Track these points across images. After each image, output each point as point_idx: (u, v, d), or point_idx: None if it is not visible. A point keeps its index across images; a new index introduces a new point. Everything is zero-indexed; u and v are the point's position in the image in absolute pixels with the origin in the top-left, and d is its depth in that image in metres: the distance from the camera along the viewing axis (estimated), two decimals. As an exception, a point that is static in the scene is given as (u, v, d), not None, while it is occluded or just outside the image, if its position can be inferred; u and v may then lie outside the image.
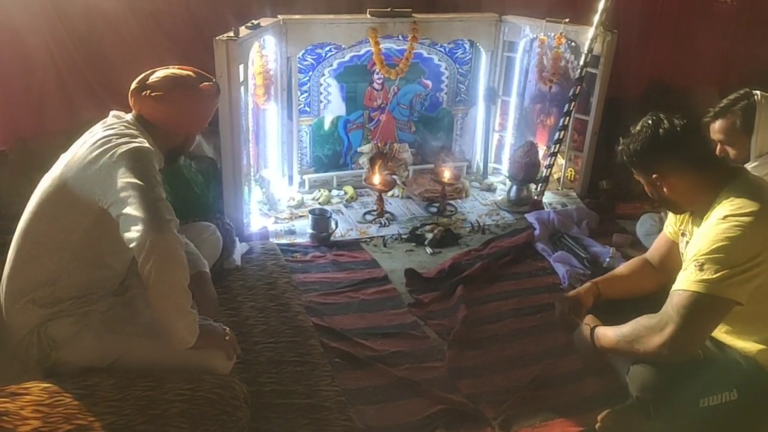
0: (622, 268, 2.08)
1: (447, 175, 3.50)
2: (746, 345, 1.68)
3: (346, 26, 3.34)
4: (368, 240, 3.15)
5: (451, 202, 3.57)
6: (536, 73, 3.72)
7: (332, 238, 3.10)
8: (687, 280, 1.56)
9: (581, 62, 3.43)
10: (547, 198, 3.65)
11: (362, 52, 3.49)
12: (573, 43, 3.53)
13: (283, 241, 3.08)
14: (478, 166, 4.00)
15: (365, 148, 3.66)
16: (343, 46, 3.41)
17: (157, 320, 1.68)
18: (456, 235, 3.21)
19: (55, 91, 3.12)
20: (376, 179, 3.37)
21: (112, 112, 1.88)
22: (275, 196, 3.41)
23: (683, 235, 1.87)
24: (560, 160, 3.74)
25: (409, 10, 3.45)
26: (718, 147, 2.20)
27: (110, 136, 1.74)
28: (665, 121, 1.71)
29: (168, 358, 1.73)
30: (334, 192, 3.61)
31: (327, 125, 3.62)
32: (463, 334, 2.41)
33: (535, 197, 3.57)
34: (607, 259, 2.90)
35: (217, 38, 2.68)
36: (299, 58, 3.36)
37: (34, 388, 1.60)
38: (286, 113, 3.44)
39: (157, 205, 1.63)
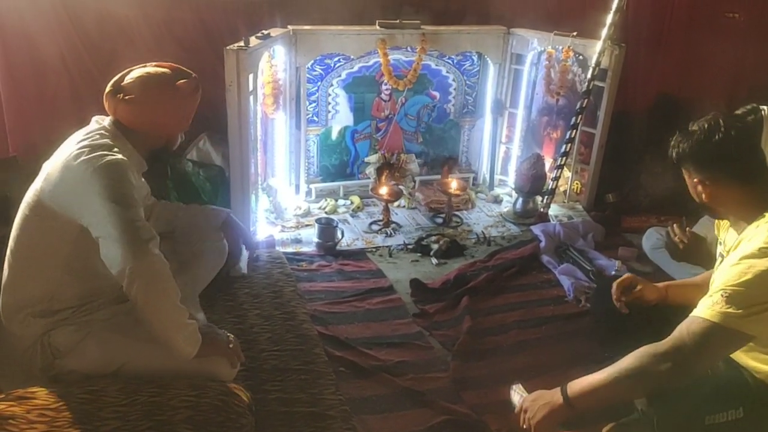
0: (698, 278, 2.00)
1: (453, 186, 3.51)
2: (757, 365, 1.64)
3: (355, 37, 3.37)
4: (374, 250, 3.16)
5: (457, 213, 3.58)
6: (543, 86, 3.73)
7: (338, 248, 3.11)
8: (710, 309, 1.51)
9: (589, 75, 3.44)
10: (553, 210, 3.65)
11: (371, 62, 3.51)
12: (581, 57, 3.54)
13: (289, 249, 3.09)
14: (484, 178, 4.00)
15: (372, 158, 3.68)
16: (352, 56, 3.44)
17: (156, 336, 1.68)
18: (461, 246, 3.21)
19: (67, 97, 3.14)
20: (383, 189, 3.38)
21: (94, 118, 1.82)
22: (282, 205, 3.42)
23: (720, 243, 1.82)
24: (567, 173, 3.75)
25: (418, 22, 3.48)
26: None
27: (84, 148, 1.67)
28: (722, 129, 1.61)
29: (172, 365, 1.73)
30: (341, 201, 3.62)
31: (335, 135, 3.64)
32: (467, 344, 2.41)
33: (541, 209, 3.57)
34: (613, 272, 2.89)
35: (227, 47, 2.71)
36: (308, 68, 3.38)
37: (40, 392, 1.61)
38: (294, 122, 3.46)
39: (134, 227, 1.60)
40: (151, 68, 1.84)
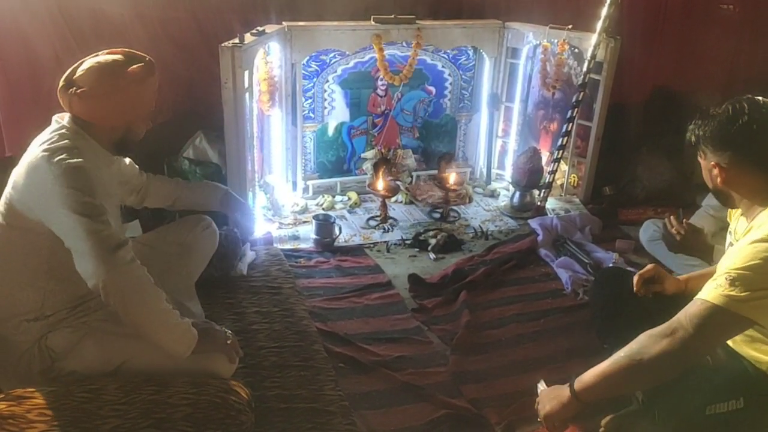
0: (715, 267, 1.99)
1: (450, 180, 3.51)
2: (758, 355, 1.64)
3: (350, 33, 3.36)
4: (372, 245, 3.16)
5: (455, 207, 3.58)
6: (539, 80, 3.73)
7: (336, 244, 3.12)
8: (713, 292, 1.50)
9: (584, 68, 3.44)
10: (550, 204, 3.66)
11: (366, 58, 3.51)
12: (576, 50, 3.54)
13: (287, 246, 3.09)
14: (481, 172, 4.00)
15: (369, 154, 3.67)
16: (348, 52, 3.43)
17: (147, 340, 1.68)
18: (459, 241, 3.22)
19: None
20: (380, 185, 3.38)
21: (54, 116, 1.77)
22: (279, 202, 3.42)
23: (730, 233, 1.81)
24: (563, 166, 3.75)
25: (413, 16, 3.47)
26: None
27: (45, 152, 1.64)
28: (747, 113, 1.57)
29: (171, 362, 1.73)
30: (338, 197, 3.62)
31: (331, 131, 3.64)
32: (466, 339, 2.42)
33: (538, 203, 3.57)
34: (610, 265, 2.90)
35: (222, 45, 2.71)
36: (303, 64, 3.38)
37: (39, 392, 1.61)
38: (290, 119, 3.46)
39: (100, 237, 1.57)
40: (102, 57, 1.77)
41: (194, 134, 3.41)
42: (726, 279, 1.49)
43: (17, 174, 1.70)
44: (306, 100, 3.48)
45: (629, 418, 1.87)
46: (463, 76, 3.80)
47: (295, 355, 2.23)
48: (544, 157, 3.70)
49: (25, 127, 3.06)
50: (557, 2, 3.87)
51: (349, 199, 3.61)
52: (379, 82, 3.60)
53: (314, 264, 2.95)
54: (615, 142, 3.74)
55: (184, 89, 3.36)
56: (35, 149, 1.68)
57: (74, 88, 1.72)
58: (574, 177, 3.79)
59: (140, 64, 1.77)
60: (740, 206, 1.70)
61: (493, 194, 3.82)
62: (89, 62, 1.76)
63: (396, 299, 2.71)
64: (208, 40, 3.22)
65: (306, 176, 3.63)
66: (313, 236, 3.12)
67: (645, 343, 1.54)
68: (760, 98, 1.63)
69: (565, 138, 3.55)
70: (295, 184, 3.62)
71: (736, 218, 1.79)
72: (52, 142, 1.67)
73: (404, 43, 3.50)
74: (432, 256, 3.08)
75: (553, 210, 3.61)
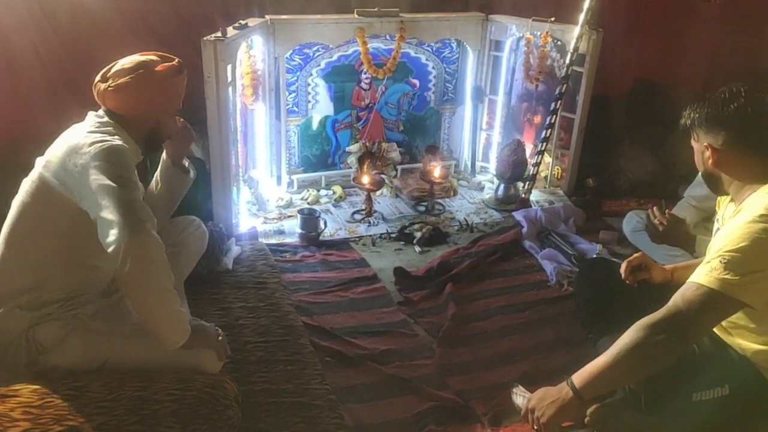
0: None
1: (435, 174, 3.51)
2: (744, 343, 1.66)
3: (333, 26, 3.35)
4: (357, 239, 3.16)
5: (440, 200, 3.59)
6: (523, 72, 3.74)
7: (321, 238, 3.11)
8: (708, 275, 1.50)
9: (567, 61, 3.45)
10: (535, 196, 3.68)
11: (350, 51, 3.49)
12: (559, 42, 3.56)
13: (273, 241, 3.09)
14: (465, 165, 4.01)
15: (353, 147, 3.67)
16: (331, 45, 3.42)
17: (144, 323, 1.68)
18: (444, 234, 3.22)
19: (42, 91, 3.09)
20: (365, 179, 3.38)
21: (90, 112, 1.88)
22: (264, 197, 3.41)
23: (717, 220, 1.82)
24: (547, 158, 3.77)
25: (396, 9, 3.47)
26: None
27: (90, 134, 1.74)
28: (744, 96, 1.61)
29: (157, 358, 1.73)
30: (323, 192, 3.61)
31: (315, 125, 3.62)
32: (452, 331, 2.43)
33: (523, 195, 3.59)
34: (594, 256, 2.92)
35: (204, 39, 2.68)
36: (287, 58, 3.36)
37: (23, 389, 1.60)
38: (274, 113, 3.44)
39: (131, 207, 1.62)
40: (136, 56, 1.90)
41: (177, 129, 3.37)
42: (720, 262, 1.50)
43: (52, 155, 1.75)
44: (290, 93, 3.46)
45: (616, 407, 1.87)
46: (446, 69, 3.80)
47: (282, 350, 2.23)
48: (528, 149, 3.72)
49: (6, 122, 3.03)
50: (540, -6, 3.88)
51: (334, 193, 3.60)
52: (363, 76, 3.59)
53: (300, 258, 2.94)
54: (598, 133, 3.76)
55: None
56: (79, 134, 1.75)
57: (108, 83, 1.83)
58: (557, 169, 3.81)
59: (170, 63, 1.92)
60: (729, 189, 1.71)
61: (478, 187, 3.83)
62: (123, 61, 1.89)
63: (382, 292, 2.71)
64: (190, 33, 3.19)
65: (290, 170, 3.61)
66: (299, 231, 3.11)
67: (643, 334, 1.53)
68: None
69: (549, 130, 3.57)
70: (279, 178, 3.60)
71: (724, 206, 1.81)
72: (96, 127, 1.79)
73: (388, 36, 3.49)
74: (417, 249, 3.08)
75: (538, 202, 3.63)
